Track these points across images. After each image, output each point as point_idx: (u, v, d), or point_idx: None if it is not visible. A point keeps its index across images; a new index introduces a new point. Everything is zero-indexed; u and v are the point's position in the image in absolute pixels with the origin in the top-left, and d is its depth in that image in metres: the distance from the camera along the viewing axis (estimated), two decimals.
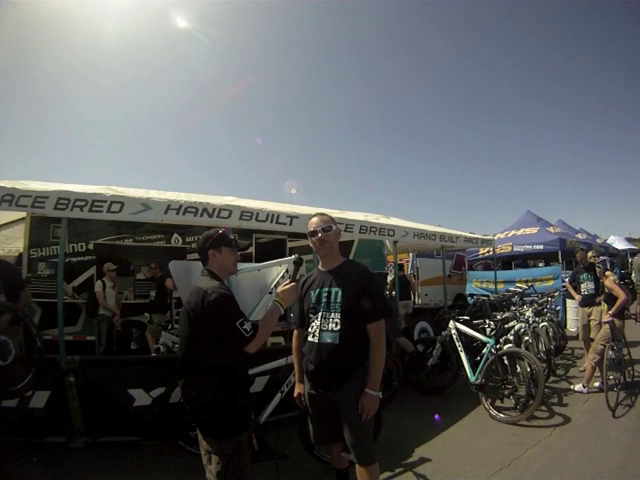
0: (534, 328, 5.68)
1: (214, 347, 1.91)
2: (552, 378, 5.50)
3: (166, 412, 3.42)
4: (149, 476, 3.14)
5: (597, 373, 5.00)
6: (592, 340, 5.50)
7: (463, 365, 4.75)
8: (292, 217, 4.81)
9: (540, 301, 7.09)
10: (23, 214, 5.68)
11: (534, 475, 3.12)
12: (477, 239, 8.57)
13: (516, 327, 5.37)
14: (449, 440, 3.82)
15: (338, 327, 2.23)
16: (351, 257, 7.69)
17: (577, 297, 6.27)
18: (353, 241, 7.95)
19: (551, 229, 11.40)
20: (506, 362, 4.51)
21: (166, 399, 3.47)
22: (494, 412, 4.28)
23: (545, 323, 6.32)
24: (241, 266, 3.37)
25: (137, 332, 6.67)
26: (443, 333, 5.19)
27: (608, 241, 19.10)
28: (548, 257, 11.88)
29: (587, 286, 6.02)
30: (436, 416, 4.25)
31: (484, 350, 4.72)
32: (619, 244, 19.67)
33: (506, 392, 4.40)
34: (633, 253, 17.02)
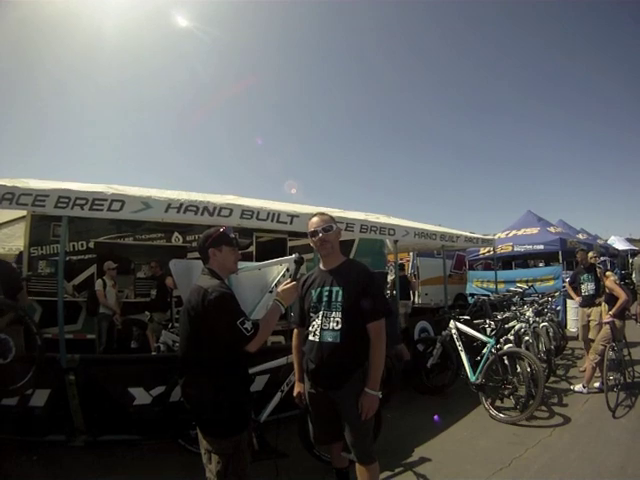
0: (534, 328, 5.68)
1: (214, 346, 1.90)
2: (552, 378, 5.50)
3: (166, 411, 3.42)
4: (149, 475, 3.14)
5: (597, 373, 4.99)
6: (592, 340, 5.50)
7: (463, 365, 4.74)
8: (293, 216, 4.80)
9: (540, 301, 7.09)
10: (23, 212, 5.68)
11: (534, 475, 3.11)
12: (477, 239, 8.57)
13: (516, 327, 5.37)
14: (449, 440, 3.82)
15: (339, 326, 2.23)
16: (351, 256, 7.67)
17: (577, 299, 6.27)
18: (354, 240, 7.94)
19: (552, 229, 11.39)
20: (506, 362, 4.51)
21: (166, 398, 3.47)
22: (494, 412, 4.28)
23: (545, 323, 6.31)
24: (242, 265, 3.37)
25: (137, 331, 6.67)
26: (443, 333, 5.19)
27: (609, 241, 19.09)
28: (548, 257, 11.87)
29: (587, 287, 6.01)
30: (435, 417, 4.25)
31: (484, 350, 4.72)
32: (620, 244, 19.66)
33: (506, 392, 4.40)
34: (634, 254, 17.03)
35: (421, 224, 7.21)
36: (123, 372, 3.75)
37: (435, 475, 3.14)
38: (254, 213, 4.57)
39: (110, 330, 6.25)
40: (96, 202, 3.77)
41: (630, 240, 22.86)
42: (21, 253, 6.47)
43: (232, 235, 2.19)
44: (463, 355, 4.78)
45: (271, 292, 3.90)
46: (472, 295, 11.04)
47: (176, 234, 7.16)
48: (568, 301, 8.99)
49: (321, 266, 2.45)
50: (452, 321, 5.10)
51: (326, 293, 2.30)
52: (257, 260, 5.62)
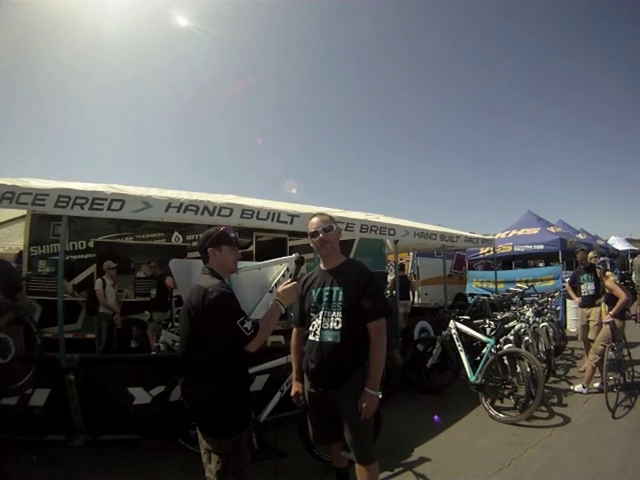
0: (534, 328, 5.68)
1: (214, 346, 1.91)
2: (552, 378, 5.50)
3: (166, 411, 3.42)
4: (149, 474, 3.13)
5: (597, 374, 4.99)
6: (591, 341, 5.50)
7: (463, 365, 4.74)
8: (293, 216, 4.80)
9: (540, 301, 7.09)
10: (23, 212, 5.68)
11: (534, 475, 3.12)
12: (477, 239, 8.57)
13: (516, 327, 5.37)
14: (448, 440, 3.82)
15: (339, 326, 2.23)
16: (351, 256, 7.67)
17: (576, 299, 6.27)
18: (354, 240, 7.94)
19: (552, 229, 11.39)
20: (506, 362, 4.51)
21: (166, 397, 3.47)
22: (494, 412, 4.28)
23: (545, 323, 6.31)
24: (242, 264, 3.37)
25: (137, 330, 6.67)
26: (443, 333, 5.19)
27: (609, 242, 19.10)
28: (548, 257, 11.88)
29: (587, 287, 6.00)
30: (435, 417, 4.25)
31: (484, 350, 4.72)
32: (619, 245, 19.68)
33: (506, 392, 4.40)
34: (633, 254, 17.04)
35: (421, 224, 7.21)
36: (123, 372, 3.75)
37: (435, 475, 3.14)
38: (254, 213, 4.57)
39: (110, 330, 6.25)
40: (96, 201, 3.76)
41: (630, 240, 22.90)
42: (21, 252, 6.47)
43: (232, 235, 2.19)
44: (463, 355, 4.78)
45: (271, 292, 3.90)
46: (472, 295, 11.04)
47: (176, 234, 7.16)
48: (568, 301, 9.00)
49: (321, 266, 2.45)
50: (452, 321, 5.10)
51: (326, 293, 2.30)
52: (257, 260, 5.61)
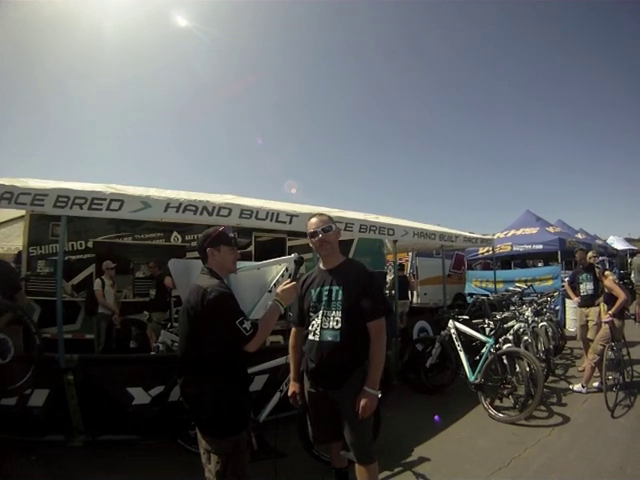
0: (533, 328, 5.69)
1: (214, 346, 1.90)
2: (551, 378, 5.50)
3: (165, 411, 3.42)
4: (148, 475, 3.13)
5: (596, 373, 5.00)
6: (590, 340, 5.51)
7: (462, 364, 4.75)
8: (292, 216, 4.80)
9: (539, 301, 7.09)
10: (22, 212, 5.67)
11: (533, 475, 3.12)
12: (476, 239, 8.58)
13: (515, 327, 5.37)
14: (448, 439, 3.83)
15: (339, 325, 2.23)
16: (351, 256, 7.66)
17: (575, 299, 6.28)
18: (353, 240, 7.94)
19: (550, 229, 11.40)
20: (505, 362, 4.51)
21: (165, 398, 3.47)
22: (493, 412, 4.29)
23: (544, 323, 6.32)
24: (241, 264, 3.37)
25: (136, 330, 6.66)
26: (442, 332, 5.19)
27: (607, 241, 19.11)
28: (547, 257, 11.89)
29: (586, 287, 6.01)
30: (436, 417, 4.24)
31: (483, 349, 4.73)
32: (618, 244, 19.68)
33: (505, 392, 4.41)
34: (632, 253, 17.05)
35: (420, 224, 7.22)
36: (122, 372, 3.74)
37: (434, 475, 3.14)
38: (253, 213, 4.57)
39: (109, 330, 6.24)
40: (95, 201, 3.76)
41: (629, 240, 22.94)
42: (20, 253, 6.46)
43: (231, 235, 2.19)
44: (462, 355, 4.79)
45: (270, 292, 3.90)
46: (471, 295, 11.04)
47: (175, 234, 7.15)
48: (567, 301, 9.00)
49: (321, 266, 2.45)
50: (451, 321, 5.10)
51: (326, 292, 2.31)
52: (256, 260, 5.61)
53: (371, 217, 6.16)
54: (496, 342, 4.64)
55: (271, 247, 7.24)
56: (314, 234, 2.36)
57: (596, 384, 5.01)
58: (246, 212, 4.52)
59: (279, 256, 4.40)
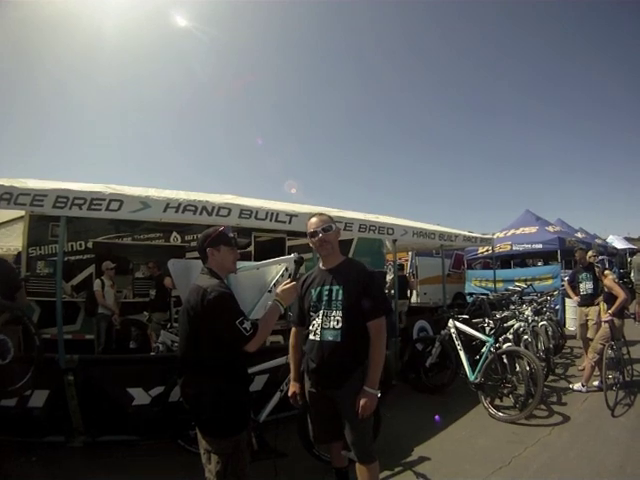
0: (533, 327, 5.69)
1: (214, 346, 1.90)
2: (551, 377, 5.51)
3: (165, 411, 3.42)
4: (148, 475, 3.13)
5: (596, 372, 5.00)
6: (590, 339, 5.51)
7: (462, 364, 4.75)
8: (291, 215, 4.80)
9: (539, 300, 7.10)
10: (22, 212, 5.66)
11: (533, 474, 3.12)
12: (476, 238, 8.59)
13: (515, 326, 5.38)
14: (448, 439, 3.83)
15: (340, 325, 2.23)
16: (350, 256, 7.66)
17: (575, 298, 6.28)
18: (352, 240, 7.94)
19: (550, 228, 11.41)
20: (505, 361, 4.51)
21: (165, 398, 3.47)
22: (493, 411, 4.29)
23: (544, 322, 6.32)
24: (240, 264, 3.37)
25: (136, 331, 6.66)
26: (442, 332, 5.19)
27: (607, 240, 19.12)
28: (547, 256, 11.92)
29: (586, 286, 6.02)
30: (436, 417, 4.24)
31: (483, 349, 4.73)
32: (618, 243, 19.69)
33: (505, 391, 4.41)
34: (632, 252, 17.06)
35: (420, 223, 7.22)
36: (122, 372, 3.74)
37: (434, 474, 3.14)
38: (253, 213, 4.57)
39: (109, 330, 6.24)
40: (94, 202, 3.75)
41: (628, 239, 22.94)
42: (19, 253, 6.45)
43: (231, 235, 2.19)
44: (462, 354, 4.79)
45: (270, 292, 3.90)
46: (471, 294, 11.05)
47: (174, 234, 7.15)
48: (567, 300, 9.02)
49: (321, 265, 2.45)
50: (451, 320, 5.10)
51: (326, 292, 2.30)
52: (256, 260, 5.60)
53: (371, 217, 6.16)
54: (496, 341, 4.64)
55: (271, 247, 7.24)
56: (314, 234, 2.36)
57: (596, 383, 5.02)
58: (245, 212, 4.52)
59: (279, 256, 4.39)
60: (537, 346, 5.55)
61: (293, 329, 2.60)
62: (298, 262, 2.39)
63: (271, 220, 4.70)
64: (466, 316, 5.37)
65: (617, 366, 4.73)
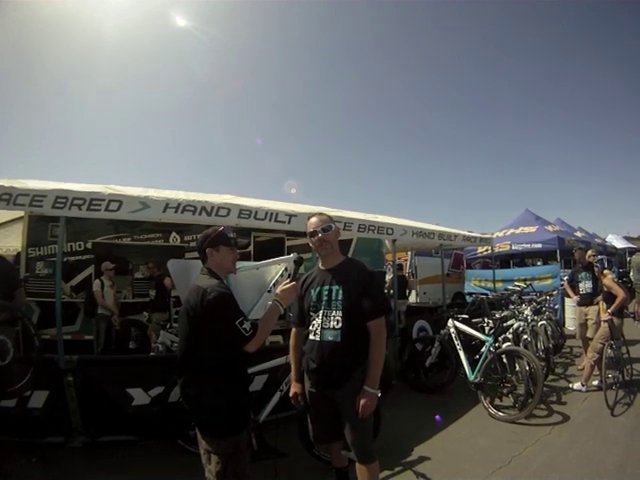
0: (533, 327, 5.70)
1: (213, 346, 1.90)
2: (551, 376, 5.51)
3: (165, 411, 3.42)
4: (148, 476, 3.13)
5: (596, 372, 5.01)
6: (590, 339, 5.52)
7: (462, 364, 4.75)
8: (291, 215, 4.80)
9: (539, 300, 7.10)
10: (21, 213, 5.66)
11: (533, 474, 3.12)
12: (475, 238, 8.58)
13: (515, 326, 5.38)
14: (448, 439, 3.83)
15: (340, 325, 2.23)
16: (350, 256, 7.66)
17: (574, 298, 6.28)
18: (351, 240, 7.94)
19: (549, 227, 11.42)
20: (505, 360, 4.52)
21: (165, 398, 3.47)
22: (493, 411, 4.29)
23: (544, 322, 6.33)
24: (240, 264, 3.36)
25: (136, 331, 6.66)
26: (442, 332, 5.19)
27: (607, 240, 19.13)
28: (546, 256, 11.94)
29: (585, 285, 6.03)
30: (436, 417, 4.24)
31: (483, 349, 4.73)
32: (617, 243, 19.69)
33: (505, 390, 4.41)
34: (631, 252, 17.08)
35: (419, 223, 7.22)
36: (121, 373, 3.74)
37: (434, 474, 3.14)
38: (252, 213, 4.57)
39: (108, 331, 6.23)
40: (94, 202, 3.75)
41: (628, 238, 22.92)
42: (19, 254, 6.44)
43: (231, 235, 2.18)
44: (462, 354, 4.79)
45: (269, 292, 3.90)
46: (470, 294, 11.06)
47: (174, 234, 7.15)
48: (566, 299, 9.02)
49: (320, 265, 2.45)
50: (450, 320, 5.10)
51: (326, 292, 2.30)
52: (255, 260, 5.60)
53: (370, 216, 6.16)
54: (495, 341, 4.64)
55: (270, 247, 7.24)
56: (314, 234, 2.36)
57: (596, 382, 5.02)
58: (245, 212, 4.52)
59: (278, 256, 4.39)
60: (537, 346, 5.55)
61: (293, 329, 2.60)
62: (297, 262, 2.39)
63: (270, 220, 4.69)
64: (465, 316, 5.37)
65: (617, 365, 4.73)
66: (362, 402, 2.18)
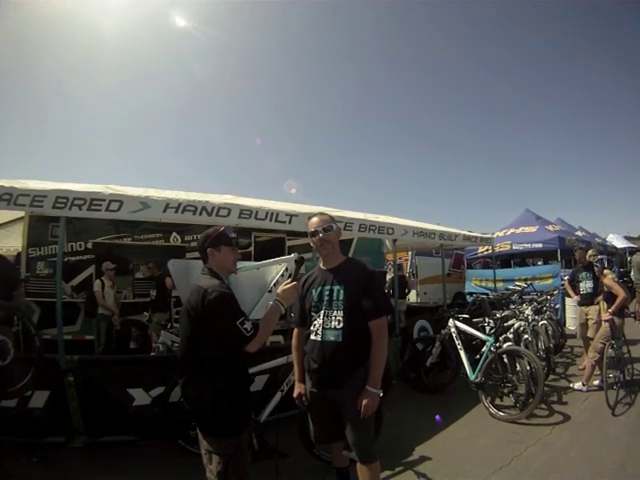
0: (533, 326, 5.69)
1: (214, 346, 1.90)
2: (551, 376, 5.51)
3: (166, 411, 3.41)
4: (149, 476, 3.13)
5: (597, 371, 5.00)
6: (590, 339, 5.52)
7: (463, 363, 4.75)
8: (291, 215, 4.80)
9: (539, 299, 7.10)
10: (22, 213, 5.66)
11: (534, 473, 3.12)
12: (476, 237, 8.59)
13: (515, 325, 5.38)
14: (449, 439, 3.82)
15: (341, 325, 2.23)
16: (350, 256, 7.66)
17: (575, 297, 6.28)
18: (352, 239, 7.94)
19: (550, 227, 11.42)
20: (506, 360, 4.52)
21: (166, 398, 3.47)
22: (494, 410, 4.29)
23: (544, 321, 6.33)
24: (241, 264, 3.36)
25: (136, 331, 6.66)
26: (442, 331, 5.19)
27: (607, 239, 19.12)
28: (547, 255, 11.92)
29: (586, 285, 6.02)
30: (437, 417, 4.24)
31: (484, 348, 4.73)
32: (618, 242, 19.69)
33: (506, 390, 4.41)
34: (632, 251, 17.05)
35: (420, 223, 7.22)
36: (122, 373, 3.74)
37: (435, 474, 3.14)
38: (252, 213, 4.57)
39: (109, 331, 6.24)
40: (94, 202, 3.75)
41: (628, 238, 22.91)
42: (19, 254, 6.44)
43: (232, 235, 2.18)
44: (462, 354, 4.79)
45: (270, 292, 3.90)
46: (471, 294, 11.05)
47: (174, 234, 7.15)
48: (567, 299, 9.01)
49: (321, 265, 2.45)
50: (451, 320, 5.10)
51: (327, 292, 2.30)
52: (256, 260, 5.60)
53: (370, 216, 6.16)
54: (496, 341, 4.64)
55: (271, 247, 7.24)
56: (315, 233, 2.35)
57: (596, 382, 5.02)
58: (245, 212, 4.52)
59: (279, 256, 4.39)
60: (537, 345, 5.55)
61: (295, 330, 2.60)
62: (298, 262, 2.38)
63: (271, 220, 4.70)
64: (466, 315, 5.37)
65: (617, 365, 4.73)
66: (364, 402, 2.18)
